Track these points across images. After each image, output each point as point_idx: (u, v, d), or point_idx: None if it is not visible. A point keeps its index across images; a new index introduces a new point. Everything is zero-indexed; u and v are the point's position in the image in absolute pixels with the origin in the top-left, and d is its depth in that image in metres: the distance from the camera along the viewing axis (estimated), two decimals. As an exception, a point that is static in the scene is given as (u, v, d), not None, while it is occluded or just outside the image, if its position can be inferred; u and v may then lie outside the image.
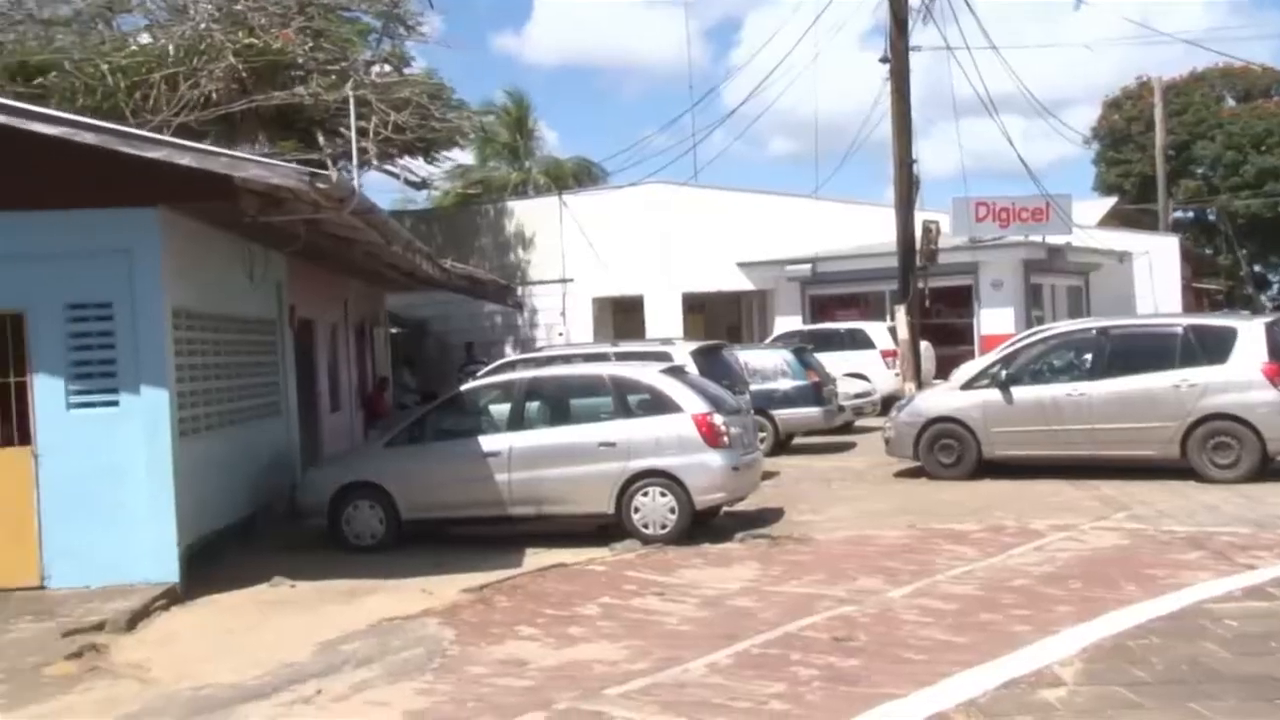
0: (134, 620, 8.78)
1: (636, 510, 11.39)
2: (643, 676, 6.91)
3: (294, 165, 9.92)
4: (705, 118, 72.31)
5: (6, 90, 17.29)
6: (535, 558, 10.83)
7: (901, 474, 15.24)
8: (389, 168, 26.03)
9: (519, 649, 7.76)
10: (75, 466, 9.72)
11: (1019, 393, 14.44)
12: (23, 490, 9.68)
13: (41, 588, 9.64)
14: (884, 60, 21.64)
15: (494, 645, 7.87)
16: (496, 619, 8.64)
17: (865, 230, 26.89)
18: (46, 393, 9.74)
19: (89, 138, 9.09)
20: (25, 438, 9.75)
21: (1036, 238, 26.57)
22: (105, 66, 19.86)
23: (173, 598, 9.46)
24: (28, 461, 9.72)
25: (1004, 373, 14.75)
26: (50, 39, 21.10)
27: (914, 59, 21.62)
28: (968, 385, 15.23)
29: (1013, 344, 17.07)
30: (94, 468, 9.72)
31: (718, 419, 11.61)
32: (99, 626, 8.50)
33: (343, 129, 22.30)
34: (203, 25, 20.72)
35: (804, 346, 20.00)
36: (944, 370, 21.98)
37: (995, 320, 25.63)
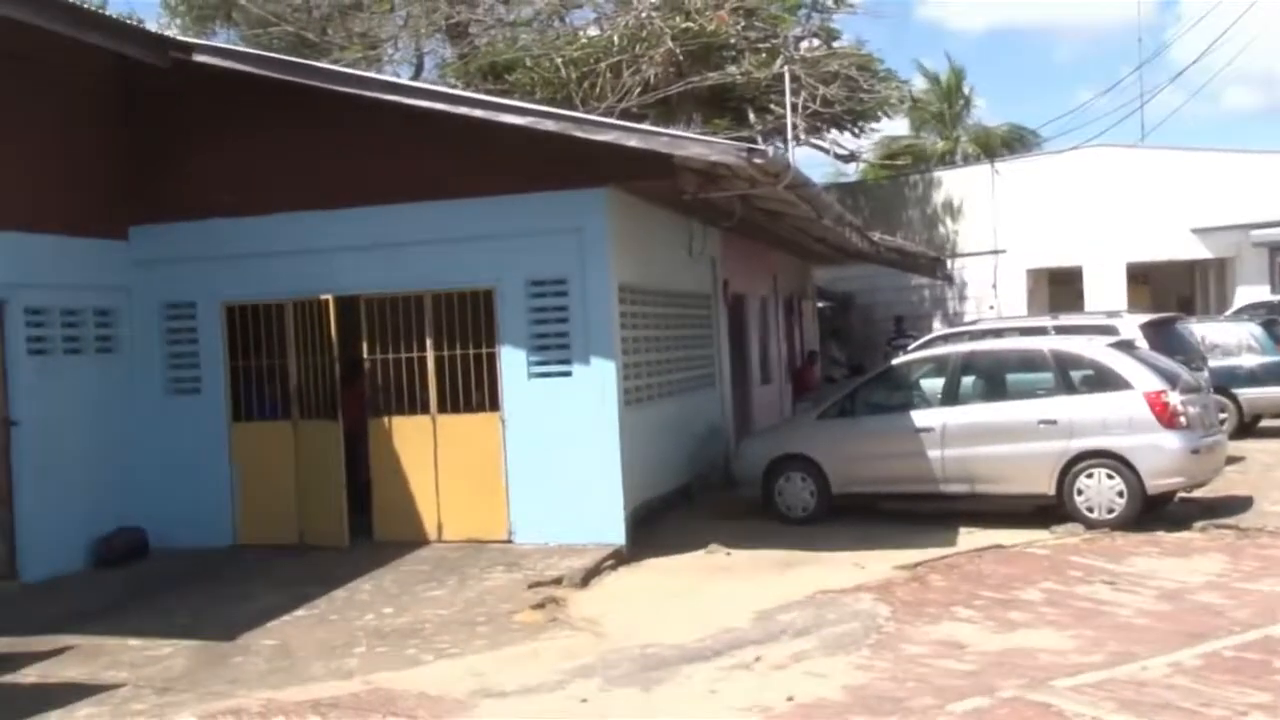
0: (587, 578, 9.44)
1: (1079, 492, 10.75)
2: (1095, 670, 6.49)
3: (731, 142, 10.18)
4: (1151, 76, 65.80)
5: (479, 89, 19.08)
6: (969, 537, 10.49)
7: (1402, 465, 13.34)
8: (817, 142, 26.15)
9: (956, 630, 7.55)
10: (534, 432, 10.57)
11: None
12: (494, 452, 10.67)
13: (509, 542, 10.58)
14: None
15: (930, 625, 7.70)
16: (932, 598, 8.45)
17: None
18: (511, 362, 10.67)
19: (549, 125, 9.83)
20: (494, 404, 10.73)
21: None
22: (559, 60, 21.40)
23: (619, 558, 10.07)
24: (497, 426, 10.68)
25: None
26: (515, 39, 23.01)
27: None
28: None
29: None
30: (550, 433, 10.52)
31: (1173, 397, 10.72)
32: (557, 581, 9.22)
33: (772, 105, 22.64)
34: (644, 13, 21.76)
35: (1275, 319, 17.99)
36: None
37: None
